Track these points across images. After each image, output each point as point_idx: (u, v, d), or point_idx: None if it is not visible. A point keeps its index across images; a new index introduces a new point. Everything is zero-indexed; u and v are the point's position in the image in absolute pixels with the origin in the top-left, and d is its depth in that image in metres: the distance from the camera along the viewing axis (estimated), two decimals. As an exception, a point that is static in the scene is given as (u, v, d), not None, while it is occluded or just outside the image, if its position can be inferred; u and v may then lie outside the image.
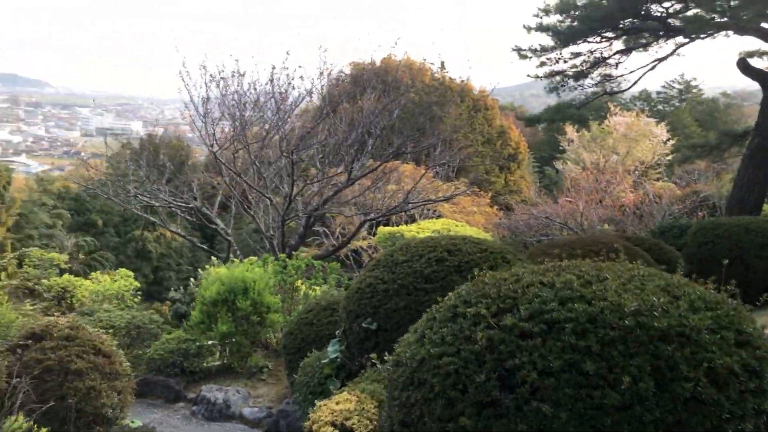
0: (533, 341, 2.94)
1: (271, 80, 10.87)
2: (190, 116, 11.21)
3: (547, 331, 2.96)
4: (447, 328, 3.22)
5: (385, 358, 3.74)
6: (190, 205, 11.76)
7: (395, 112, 11.70)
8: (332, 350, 6.65)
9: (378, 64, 31.31)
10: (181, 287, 25.19)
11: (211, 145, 11.17)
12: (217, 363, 9.26)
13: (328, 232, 20.21)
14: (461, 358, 3.03)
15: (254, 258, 12.24)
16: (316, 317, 7.91)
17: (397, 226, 17.29)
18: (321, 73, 11.03)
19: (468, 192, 19.91)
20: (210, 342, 9.07)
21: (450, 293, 3.63)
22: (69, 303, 12.79)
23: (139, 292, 13.60)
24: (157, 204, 11.54)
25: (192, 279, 23.31)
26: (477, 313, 3.15)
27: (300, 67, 10.82)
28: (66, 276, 12.61)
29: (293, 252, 10.47)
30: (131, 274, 13.46)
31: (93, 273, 13.98)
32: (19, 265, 13.45)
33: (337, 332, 6.85)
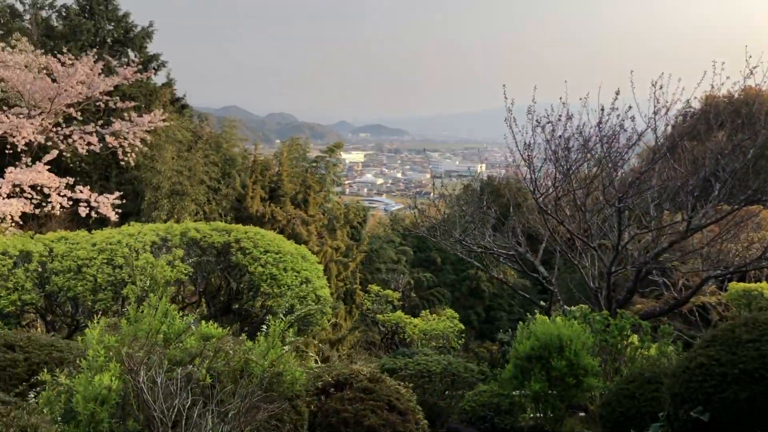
0: None
1: (600, 122, 10.15)
2: (514, 161, 11.11)
3: None
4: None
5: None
6: (510, 252, 11.55)
7: (750, 151, 9.92)
8: (653, 436, 5.70)
9: (736, 95, 27.66)
10: (510, 329, 25.27)
11: (533, 191, 10.88)
12: (530, 422, 8.77)
13: (668, 282, 18.23)
14: None
15: (574, 310, 11.51)
16: (638, 390, 6.94)
17: (757, 282, 14.77)
18: (655, 112, 9.90)
19: None
20: (522, 398, 8.66)
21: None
22: (401, 338, 13.65)
23: (463, 335, 13.87)
24: (478, 250, 11.60)
25: (520, 322, 23.21)
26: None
27: (630, 107, 9.87)
28: (398, 313, 13.50)
29: (618, 308, 9.47)
30: (456, 315, 13.80)
31: (423, 311, 14.72)
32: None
33: (660, 414, 5.86)
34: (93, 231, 12.00)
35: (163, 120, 21.43)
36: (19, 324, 10.39)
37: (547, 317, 11.27)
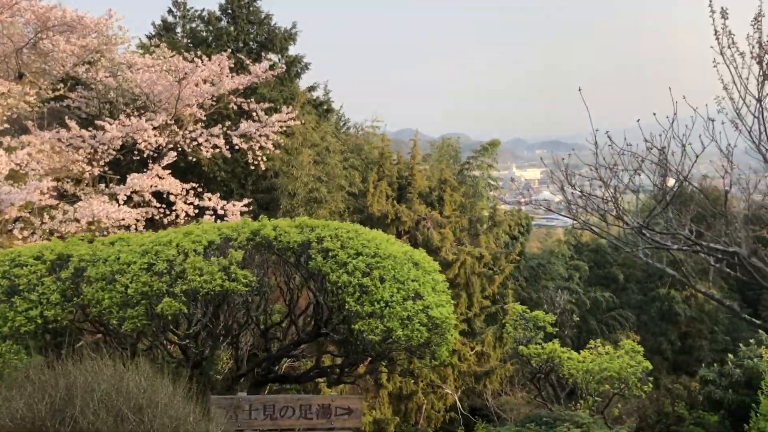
0: None
1: None
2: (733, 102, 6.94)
3: None
4: None
5: None
6: (730, 250, 7.29)
7: None
8: None
9: None
10: (715, 364, 19.93)
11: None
12: None
13: None
14: None
15: None
16: None
17: None
18: None
19: None
20: None
21: None
22: (557, 378, 9.75)
23: (650, 378, 9.62)
24: (675, 247, 7.51)
25: (729, 355, 18.30)
26: None
27: None
28: (552, 344, 9.63)
29: None
30: (639, 349, 9.59)
31: (592, 341, 10.65)
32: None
33: None
34: (159, 231, 9.66)
35: (296, 120, 19.43)
36: (46, 345, 8.09)
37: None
